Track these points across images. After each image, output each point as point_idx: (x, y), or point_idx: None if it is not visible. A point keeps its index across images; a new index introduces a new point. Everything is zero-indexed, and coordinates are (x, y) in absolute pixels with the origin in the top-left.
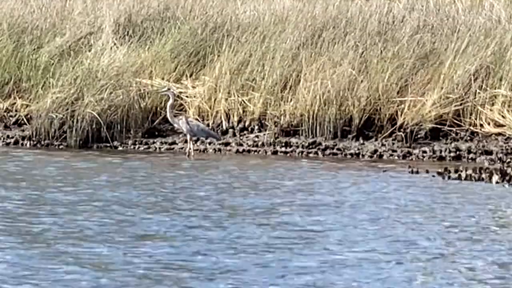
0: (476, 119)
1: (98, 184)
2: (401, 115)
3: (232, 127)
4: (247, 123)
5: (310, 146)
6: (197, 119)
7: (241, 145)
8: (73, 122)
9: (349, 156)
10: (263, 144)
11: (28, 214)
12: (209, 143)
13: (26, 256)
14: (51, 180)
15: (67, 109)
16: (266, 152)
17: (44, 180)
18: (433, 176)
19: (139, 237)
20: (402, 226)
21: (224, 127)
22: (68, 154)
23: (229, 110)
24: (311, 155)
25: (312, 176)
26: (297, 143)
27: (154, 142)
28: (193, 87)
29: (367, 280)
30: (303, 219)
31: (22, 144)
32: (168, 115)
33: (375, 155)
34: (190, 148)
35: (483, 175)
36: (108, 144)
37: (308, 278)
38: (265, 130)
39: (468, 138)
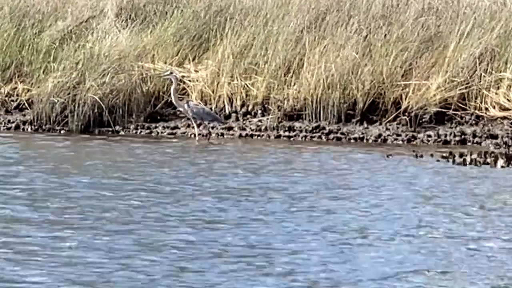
0: (481, 102)
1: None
2: (405, 99)
3: (235, 112)
4: (250, 107)
5: (314, 131)
6: (199, 103)
7: (244, 129)
8: (74, 106)
9: (353, 141)
10: (266, 129)
11: (98, 199)
12: (212, 127)
13: (114, 243)
14: (99, 166)
15: (69, 94)
16: (269, 137)
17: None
18: (438, 160)
19: (208, 223)
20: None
21: (227, 111)
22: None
23: (232, 94)
24: (314, 139)
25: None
26: (300, 127)
27: (156, 127)
28: (196, 71)
29: None
30: None
31: (23, 129)
32: (173, 99)
33: (379, 139)
34: (195, 133)
35: (488, 159)
36: (110, 129)
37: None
38: (268, 115)
39: (473, 122)
